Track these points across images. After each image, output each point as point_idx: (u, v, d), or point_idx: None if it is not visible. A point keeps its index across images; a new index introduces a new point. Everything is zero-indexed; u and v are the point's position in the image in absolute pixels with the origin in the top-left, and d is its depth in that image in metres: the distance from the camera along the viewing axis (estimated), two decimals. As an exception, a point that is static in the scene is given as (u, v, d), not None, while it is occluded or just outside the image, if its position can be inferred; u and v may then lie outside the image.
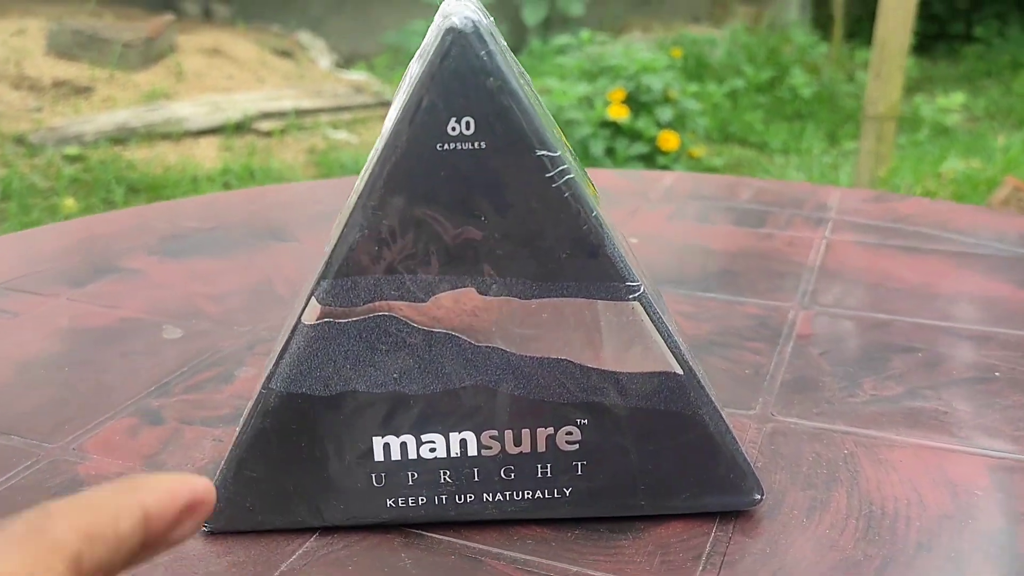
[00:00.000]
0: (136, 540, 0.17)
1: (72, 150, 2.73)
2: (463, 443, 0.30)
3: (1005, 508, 0.32)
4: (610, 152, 2.59)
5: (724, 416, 0.31)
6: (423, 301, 0.28)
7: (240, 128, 3.17)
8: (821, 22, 4.68)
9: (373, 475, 0.30)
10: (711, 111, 3.40)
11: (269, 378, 0.29)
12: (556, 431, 0.30)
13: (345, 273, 0.28)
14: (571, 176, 0.27)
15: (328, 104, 3.47)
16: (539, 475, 0.30)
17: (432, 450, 0.30)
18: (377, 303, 0.28)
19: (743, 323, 0.47)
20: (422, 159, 0.27)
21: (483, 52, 0.26)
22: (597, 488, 0.31)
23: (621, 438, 0.30)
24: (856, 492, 0.33)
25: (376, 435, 0.29)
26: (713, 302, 0.50)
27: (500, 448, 0.30)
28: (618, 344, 0.29)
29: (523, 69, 0.33)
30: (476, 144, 0.26)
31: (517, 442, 0.30)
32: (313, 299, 0.28)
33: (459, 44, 0.26)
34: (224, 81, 3.58)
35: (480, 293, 0.28)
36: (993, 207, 2.19)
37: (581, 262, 0.28)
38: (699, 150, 2.81)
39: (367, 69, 4.49)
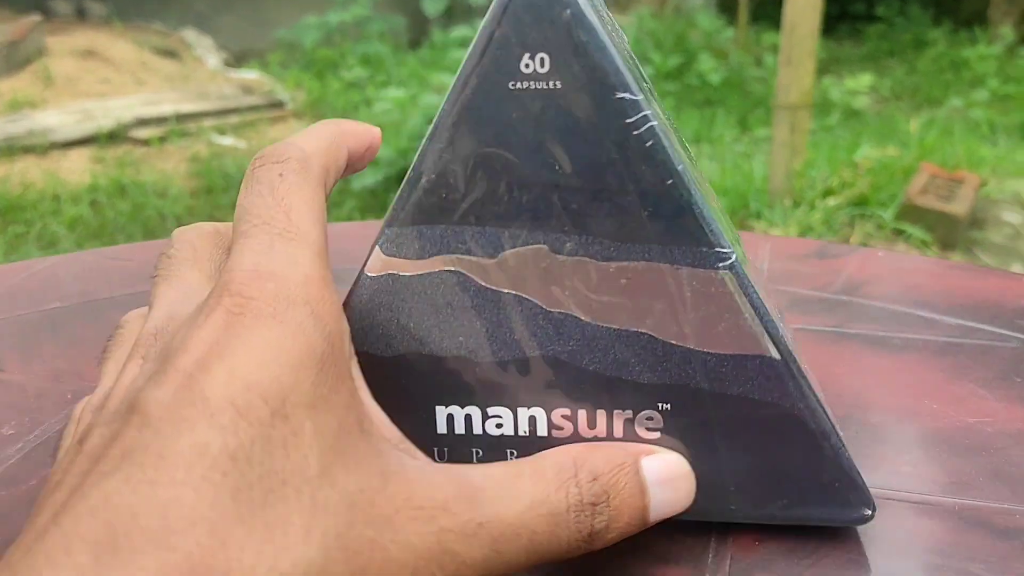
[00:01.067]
0: (342, 162, 0.26)
1: (-82, 170, 2.46)
2: (532, 420, 0.27)
3: None
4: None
5: (830, 414, 0.26)
6: (492, 257, 0.26)
7: (114, 137, 2.92)
8: (726, 5, 4.63)
9: (435, 449, 0.28)
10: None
11: None
12: (635, 415, 0.27)
13: (410, 221, 0.26)
14: (654, 124, 0.24)
15: (213, 107, 3.24)
16: None
17: (499, 426, 0.28)
18: (443, 256, 0.26)
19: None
20: (493, 98, 0.24)
21: None
22: None
23: (709, 429, 0.27)
24: None
25: (439, 404, 0.27)
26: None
27: (573, 430, 0.27)
28: (705, 319, 0.26)
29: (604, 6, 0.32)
30: (551, 83, 0.24)
31: (591, 424, 0.27)
32: (377, 248, 0.26)
33: None
34: (99, 85, 3.30)
35: (553, 252, 0.26)
36: (912, 197, 2.12)
37: (665, 222, 0.25)
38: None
39: (260, 67, 4.27)
